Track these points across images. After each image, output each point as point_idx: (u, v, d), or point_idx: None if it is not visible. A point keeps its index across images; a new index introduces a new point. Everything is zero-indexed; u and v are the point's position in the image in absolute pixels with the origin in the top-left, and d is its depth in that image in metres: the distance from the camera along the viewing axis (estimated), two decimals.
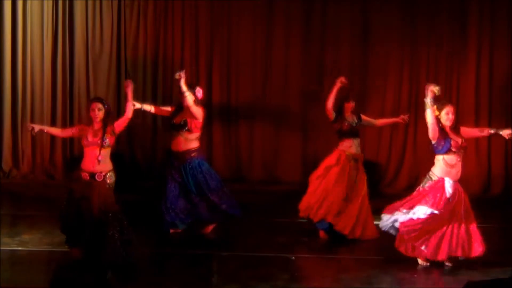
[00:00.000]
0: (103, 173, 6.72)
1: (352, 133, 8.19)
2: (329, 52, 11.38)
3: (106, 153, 6.76)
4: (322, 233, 8.15)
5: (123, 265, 6.61)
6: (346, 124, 8.19)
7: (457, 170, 6.99)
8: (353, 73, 11.29)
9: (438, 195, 6.92)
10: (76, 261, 6.67)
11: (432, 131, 7.01)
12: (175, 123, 8.01)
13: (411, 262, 7.07)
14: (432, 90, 6.95)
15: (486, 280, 6.00)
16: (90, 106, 6.91)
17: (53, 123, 11.28)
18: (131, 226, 6.81)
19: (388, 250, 7.59)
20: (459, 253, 6.87)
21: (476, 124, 11.20)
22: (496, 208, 10.35)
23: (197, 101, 7.98)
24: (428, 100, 7.01)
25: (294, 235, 8.27)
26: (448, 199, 6.90)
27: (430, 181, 7.02)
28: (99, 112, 6.81)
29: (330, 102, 8.15)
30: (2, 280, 6.19)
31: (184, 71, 7.94)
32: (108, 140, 6.75)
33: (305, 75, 11.43)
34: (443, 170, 6.97)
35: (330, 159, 8.27)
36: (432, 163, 7.22)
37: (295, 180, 11.35)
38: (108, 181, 6.75)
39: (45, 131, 7.32)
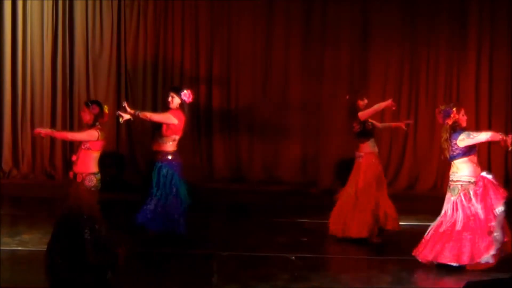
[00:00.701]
0: (83, 175, 6.65)
1: (372, 133, 8.11)
2: (329, 52, 11.38)
3: (84, 155, 6.66)
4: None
5: (92, 267, 6.56)
6: (369, 124, 8.11)
7: (480, 168, 7.03)
8: (353, 73, 11.31)
9: (495, 189, 6.89)
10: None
11: (475, 143, 6.91)
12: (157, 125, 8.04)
13: (411, 262, 7.06)
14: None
15: (486, 280, 5.99)
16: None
17: (53, 123, 11.30)
18: (109, 228, 6.76)
19: (388, 250, 7.61)
20: None
21: (477, 124, 11.21)
22: None
23: (183, 105, 7.93)
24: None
25: (294, 235, 8.27)
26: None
27: (472, 186, 6.93)
28: (83, 114, 6.77)
29: (368, 115, 8.00)
30: (2, 280, 6.19)
31: (118, 112, 7.66)
32: (89, 144, 6.69)
33: (305, 75, 11.43)
34: (473, 170, 6.93)
35: (369, 169, 8.04)
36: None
37: (295, 180, 11.37)
38: (86, 184, 6.61)
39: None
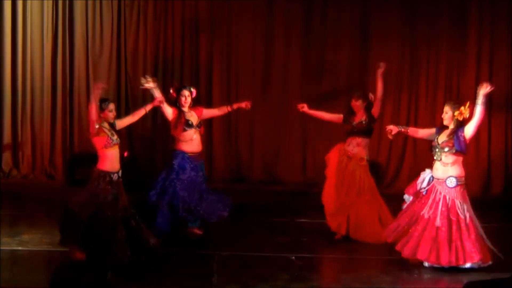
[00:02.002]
0: (120, 171, 6.95)
1: (353, 132, 8.19)
2: (329, 52, 11.38)
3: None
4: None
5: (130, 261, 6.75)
6: (348, 124, 8.21)
7: (434, 168, 7.07)
8: (353, 73, 11.31)
9: (413, 182, 7.13)
10: (76, 261, 6.68)
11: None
12: (194, 123, 8.05)
13: (411, 262, 7.07)
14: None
15: (486, 280, 6.00)
16: (108, 107, 7.02)
17: (53, 123, 11.33)
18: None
19: (388, 250, 7.60)
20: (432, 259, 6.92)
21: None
22: (496, 208, 10.35)
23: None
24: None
25: (294, 235, 8.27)
26: (419, 188, 6.99)
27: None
28: (112, 112, 6.98)
29: (323, 118, 8.49)
30: (2, 280, 6.19)
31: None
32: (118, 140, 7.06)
33: (305, 75, 11.43)
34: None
35: (329, 153, 8.41)
36: (431, 164, 7.27)
37: (295, 180, 11.36)
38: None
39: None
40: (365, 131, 8.20)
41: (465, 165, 11.35)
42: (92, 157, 7.13)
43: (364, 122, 8.19)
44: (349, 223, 8.05)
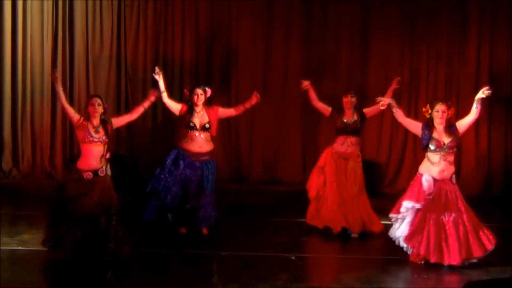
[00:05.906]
0: (104, 167, 6.84)
1: (347, 131, 8.16)
2: (329, 52, 11.39)
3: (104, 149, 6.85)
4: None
5: (114, 261, 6.70)
6: (339, 121, 8.19)
7: (441, 169, 7.00)
8: (353, 72, 11.31)
9: (416, 189, 7.05)
10: (66, 260, 6.75)
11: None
12: (196, 125, 7.98)
13: (411, 262, 7.07)
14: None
15: (486, 280, 6.01)
16: (89, 101, 7.04)
17: (53, 123, 11.33)
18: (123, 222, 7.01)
19: (388, 250, 7.60)
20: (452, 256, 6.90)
21: (476, 124, 11.19)
22: (496, 208, 10.35)
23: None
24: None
25: (294, 235, 8.27)
26: (427, 194, 6.95)
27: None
28: (98, 107, 6.91)
29: (314, 103, 8.39)
30: (2, 280, 6.19)
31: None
32: (105, 137, 6.91)
33: (305, 75, 11.40)
34: (425, 166, 7.11)
35: (320, 160, 8.34)
36: None
37: (295, 180, 11.36)
38: (108, 174, 6.91)
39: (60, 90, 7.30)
40: (359, 130, 8.19)
41: (466, 165, 11.43)
42: None
43: (358, 122, 8.16)
44: (349, 218, 8.04)
